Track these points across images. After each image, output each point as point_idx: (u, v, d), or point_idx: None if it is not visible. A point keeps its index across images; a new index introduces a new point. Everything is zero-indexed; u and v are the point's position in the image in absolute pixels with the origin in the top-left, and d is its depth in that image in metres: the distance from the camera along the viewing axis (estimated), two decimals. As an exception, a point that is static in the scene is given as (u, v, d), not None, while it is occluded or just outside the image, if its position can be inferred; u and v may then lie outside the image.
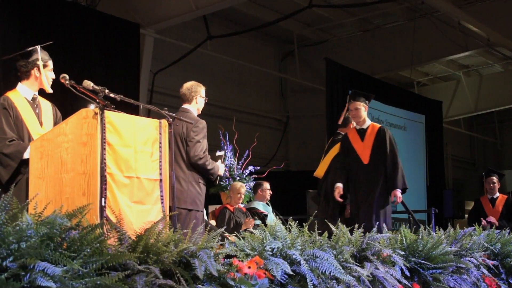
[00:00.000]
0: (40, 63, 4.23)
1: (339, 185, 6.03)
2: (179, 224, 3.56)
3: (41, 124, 4.26)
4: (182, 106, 5.13)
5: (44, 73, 4.26)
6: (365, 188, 6.02)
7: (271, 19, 12.03)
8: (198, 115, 5.15)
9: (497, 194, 8.47)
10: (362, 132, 6.23)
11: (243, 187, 7.36)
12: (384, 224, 4.92)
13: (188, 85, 5.17)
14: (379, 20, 13.67)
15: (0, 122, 4.11)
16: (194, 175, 4.93)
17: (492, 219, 8.05)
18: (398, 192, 5.94)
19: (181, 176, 4.85)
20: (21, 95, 4.27)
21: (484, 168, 19.56)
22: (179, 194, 4.73)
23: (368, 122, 6.29)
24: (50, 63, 4.31)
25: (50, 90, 4.33)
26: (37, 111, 4.29)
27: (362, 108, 6.22)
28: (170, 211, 3.84)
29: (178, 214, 4.50)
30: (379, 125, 6.30)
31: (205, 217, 5.12)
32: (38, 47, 4.25)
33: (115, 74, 9.24)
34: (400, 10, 12.94)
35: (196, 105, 5.14)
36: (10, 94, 4.25)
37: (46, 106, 4.39)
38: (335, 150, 6.69)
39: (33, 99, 4.30)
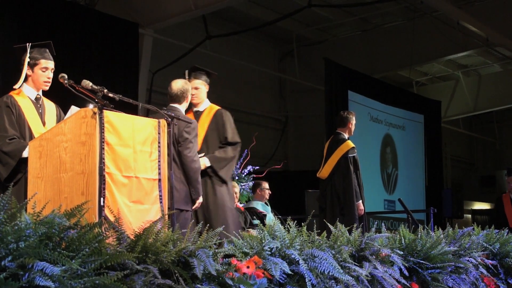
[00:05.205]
0: (28, 60, 4.20)
1: None
2: (177, 224, 3.56)
3: (44, 124, 4.27)
4: (171, 105, 4.98)
5: (35, 71, 4.23)
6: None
7: (270, 19, 12.02)
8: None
9: None
10: (198, 115, 5.39)
11: (235, 187, 7.28)
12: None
13: (179, 85, 5.04)
14: (378, 20, 13.67)
15: (2, 120, 4.11)
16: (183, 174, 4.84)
17: None
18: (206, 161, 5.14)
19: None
20: (25, 94, 4.27)
21: (483, 168, 19.70)
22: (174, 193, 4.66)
23: (206, 104, 5.46)
24: (42, 62, 4.23)
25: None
26: (40, 111, 4.29)
27: (203, 87, 5.45)
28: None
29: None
30: (218, 107, 5.45)
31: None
32: (28, 45, 4.21)
33: (114, 73, 9.22)
34: (399, 10, 12.94)
35: (186, 104, 5.05)
36: (14, 93, 4.26)
37: (50, 107, 4.39)
38: (340, 151, 6.68)
39: (37, 99, 4.31)
